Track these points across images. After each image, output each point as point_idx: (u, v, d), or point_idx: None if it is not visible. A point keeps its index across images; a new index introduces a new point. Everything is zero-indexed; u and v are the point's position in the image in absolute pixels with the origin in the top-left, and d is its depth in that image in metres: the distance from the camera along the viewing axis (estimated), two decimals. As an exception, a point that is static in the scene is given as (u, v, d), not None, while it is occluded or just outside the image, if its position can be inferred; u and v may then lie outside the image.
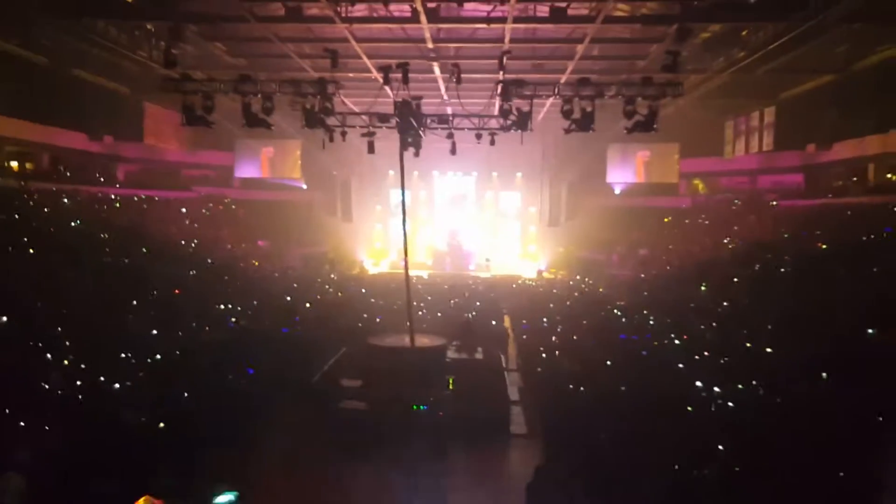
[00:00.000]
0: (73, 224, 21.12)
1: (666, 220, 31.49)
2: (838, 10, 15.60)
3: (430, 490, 10.02)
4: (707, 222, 29.26)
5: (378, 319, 19.05)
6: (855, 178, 24.65)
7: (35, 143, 25.21)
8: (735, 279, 18.87)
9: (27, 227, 18.45)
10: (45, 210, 21.06)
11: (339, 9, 17.29)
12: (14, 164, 24.45)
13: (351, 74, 21.85)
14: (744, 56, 19.85)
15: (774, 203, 27.44)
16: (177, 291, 18.62)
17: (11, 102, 22.49)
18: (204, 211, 31.48)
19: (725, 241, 25.25)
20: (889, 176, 23.05)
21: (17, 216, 19.13)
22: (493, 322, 20.07)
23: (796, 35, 17.45)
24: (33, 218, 19.63)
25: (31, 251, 17.03)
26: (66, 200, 23.18)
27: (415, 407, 12.56)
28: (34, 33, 20.00)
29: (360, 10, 19.40)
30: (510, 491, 9.19)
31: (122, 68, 22.59)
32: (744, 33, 19.45)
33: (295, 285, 23.88)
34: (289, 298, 21.06)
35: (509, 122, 16.26)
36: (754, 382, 10.79)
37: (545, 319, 19.06)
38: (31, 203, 21.12)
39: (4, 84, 21.67)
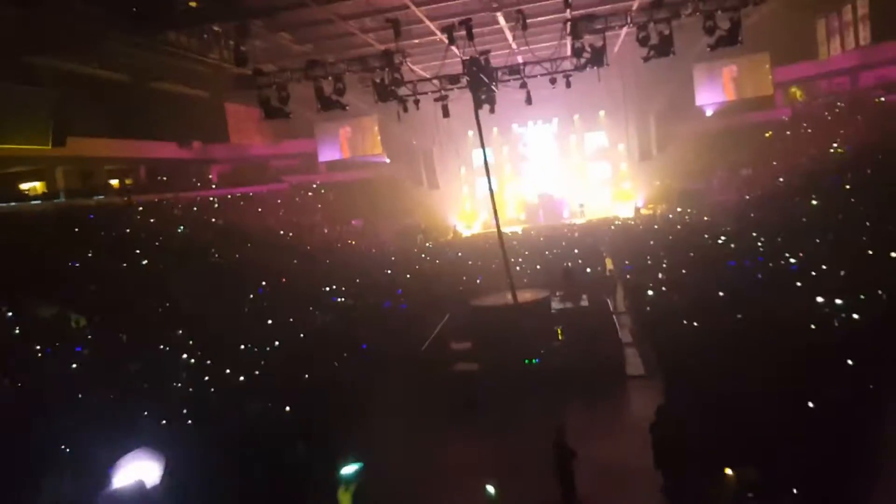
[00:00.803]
0: (178, 230, 22.16)
1: (767, 135, 29.76)
2: None
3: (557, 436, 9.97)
4: (811, 131, 27.44)
5: (478, 281, 19.09)
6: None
7: (130, 159, 26.54)
8: (847, 186, 17.70)
9: (137, 240, 19.49)
10: (151, 221, 22.18)
11: (394, -25, 17.17)
12: (114, 181, 25.81)
13: (416, 41, 21.74)
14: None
15: (881, 99, 25.42)
16: (283, 280, 19.26)
17: (102, 122, 23.62)
18: (296, 199, 32.37)
19: (832, 148, 23.66)
20: None
21: (126, 231, 20.22)
22: (595, 267, 19.72)
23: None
24: (141, 230, 20.72)
25: (144, 262, 18.00)
26: (168, 209, 24.33)
27: (527, 361, 12.58)
28: (112, 53, 20.85)
29: (415, -28, 19.21)
30: (634, 431, 9.05)
31: (198, 73, 23.35)
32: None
33: (393, 259, 24.24)
34: (389, 272, 21.41)
35: (584, 61, 15.69)
36: (878, 291, 10.11)
37: (649, 257, 18.54)
38: (136, 216, 22.28)
39: (93, 106, 22.70)
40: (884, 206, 14.47)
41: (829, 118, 27.00)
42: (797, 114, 29.86)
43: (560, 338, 13.68)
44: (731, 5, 14.31)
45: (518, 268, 19.12)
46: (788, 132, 28.67)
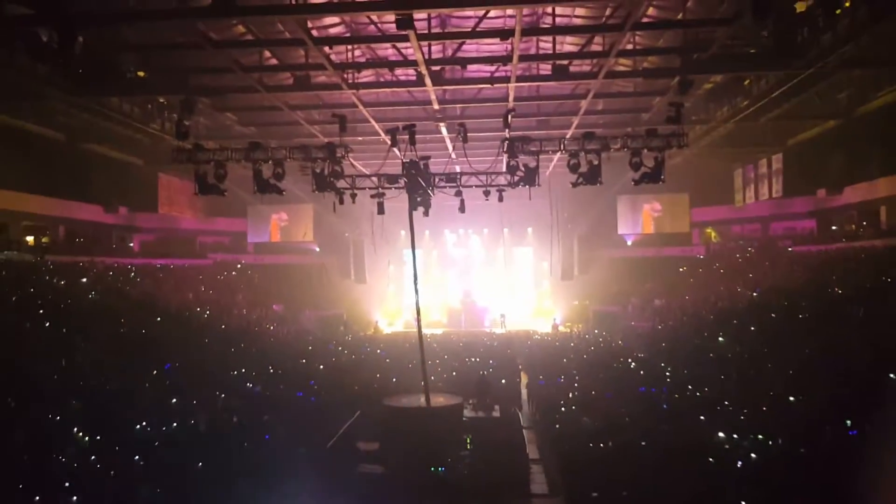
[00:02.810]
0: (89, 295, 21.28)
1: (681, 269, 31.31)
2: (836, 57, 15.82)
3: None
4: (722, 270, 29.07)
5: (393, 380, 18.88)
6: (867, 222, 24.51)
7: (51, 217, 25.69)
8: (753, 327, 18.63)
9: (43, 301, 18.60)
10: (61, 283, 21.27)
11: (346, 75, 17.80)
12: (30, 238, 24.81)
13: (360, 138, 22.30)
14: (747, 105, 20.08)
15: (788, 249, 27.30)
16: (193, 359, 18.58)
17: (27, 178, 23.09)
18: (219, 277, 31.72)
19: (741, 288, 25.03)
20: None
21: (32, 290, 19.31)
22: (510, 379, 19.82)
23: (797, 83, 17.70)
24: (49, 291, 19.82)
25: (47, 324, 17.13)
26: (82, 272, 23.44)
27: (433, 469, 12.36)
28: (49, 110, 20.60)
29: (366, 75, 19.94)
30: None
31: (136, 141, 23.19)
32: (746, 83, 19.72)
33: (310, 348, 23.81)
34: (304, 361, 20.97)
35: (517, 178, 16.44)
36: (775, 433, 10.52)
37: (562, 374, 18.81)
38: (46, 276, 21.35)
39: (21, 160, 22.23)
40: (785, 351, 15.25)
41: (741, 261, 28.70)
42: (711, 253, 31.70)
43: (468, 447, 13.55)
44: (657, 146, 15.39)
45: (435, 371, 19.04)
46: (701, 269, 30.26)
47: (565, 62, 17.00)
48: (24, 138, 22.20)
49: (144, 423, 13.17)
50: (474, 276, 37.78)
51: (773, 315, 18.96)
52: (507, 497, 11.81)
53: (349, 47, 19.07)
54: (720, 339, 18.96)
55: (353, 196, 18.53)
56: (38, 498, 9.40)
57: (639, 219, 32.89)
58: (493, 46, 18.97)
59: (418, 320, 16.32)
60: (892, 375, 10.91)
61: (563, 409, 14.95)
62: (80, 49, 14.28)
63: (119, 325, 19.46)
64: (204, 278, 30.64)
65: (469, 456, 13.20)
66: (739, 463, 9.93)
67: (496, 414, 16.19)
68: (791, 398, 12.30)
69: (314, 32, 16.33)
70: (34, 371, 14.22)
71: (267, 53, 18.57)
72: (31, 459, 10.75)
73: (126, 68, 17.53)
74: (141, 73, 17.92)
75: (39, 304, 18.17)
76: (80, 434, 12.22)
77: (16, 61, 15.61)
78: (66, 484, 9.97)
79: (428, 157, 16.34)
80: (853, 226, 25.42)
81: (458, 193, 17.97)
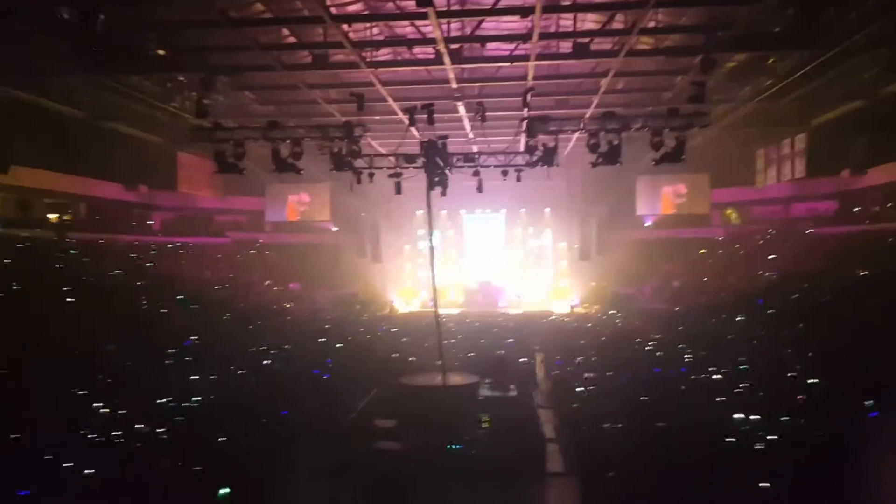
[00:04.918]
0: (110, 273, 21.54)
1: (700, 251, 31.09)
2: (862, 37, 15.48)
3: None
4: (742, 252, 28.82)
5: (410, 359, 18.96)
6: (891, 204, 24.11)
7: (72, 195, 25.93)
8: (772, 310, 18.50)
9: (65, 277, 18.85)
10: (84, 260, 21.54)
11: (364, 54, 17.70)
12: (52, 215, 25.09)
13: (377, 117, 22.22)
14: (770, 84, 19.75)
15: (810, 231, 26.98)
16: (212, 336, 18.78)
17: (48, 155, 23.26)
18: (238, 256, 31.95)
19: (761, 271, 24.81)
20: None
21: (56, 266, 19.58)
22: (526, 359, 19.83)
23: (822, 63, 17.35)
24: (72, 268, 20.08)
25: (70, 300, 17.37)
26: (103, 250, 23.70)
27: (449, 446, 12.44)
28: (70, 88, 20.70)
29: (384, 54, 19.86)
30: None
31: (156, 119, 23.23)
32: (770, 62, 19.37)
33: (327, 327, 23.95)
34: (321, 340, 21.11)
35: (535, 158, 16.35)
36: (795, 415, 10.48)
37: (579, 356, 18.79)
38: (70, 253, 21.62)
39: (41, 137, 22.38)
40: (805, 334, 15.14)
41: (761, 242, 28.41)
42: (731, 235, 31.41)
43: (484, 426, 13.61)
44: (678, 125, 15.23)
45: (451, 350, 19.08)
46: (720, 251, 30.01)
47: (586, 40, 16.77)
48: (45, 116, 22.34)
49: (166, 399, 13.41)
50: (491, 257, 37.75)
51: (793, 298, 18.81)
52: (523, 475, 11.87)
53: (367, 25, 18.97)
54: (738, 320, 18.85)
55: (371, 176, 18.53)
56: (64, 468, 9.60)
57: (658, 200, 32.58)
58: (513, 24, 18.75)
59: (435, 300, 16.36)
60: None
61: (578, 389, 14.96)
62: (100, 27, 14.32)
63: (140, 302, 19.70)
64: (222, 256, 30.89)
65: (485, 434, 13.26)
66: (753, 441, 9.92)
67: (512, 393, 16.24)
68: (809, 381, 12.22)
69: (333, 10, 16.23)
70: (59, 348, 14.45)
71: (285, 31, 18.51)
72: (57, 433, 10.95)
73: (145, 47, 17.53)
74: (161, 52, 17.92)
75: (62, 281, 18.43)
76: (104, 409, 12.45)
77: (35, 38, 15.66)
78: (91, 457, 10.18)
79: (446, 137, 16.28)
80: (877, 207, 25.03)
81: (476, 173, 17.92)
